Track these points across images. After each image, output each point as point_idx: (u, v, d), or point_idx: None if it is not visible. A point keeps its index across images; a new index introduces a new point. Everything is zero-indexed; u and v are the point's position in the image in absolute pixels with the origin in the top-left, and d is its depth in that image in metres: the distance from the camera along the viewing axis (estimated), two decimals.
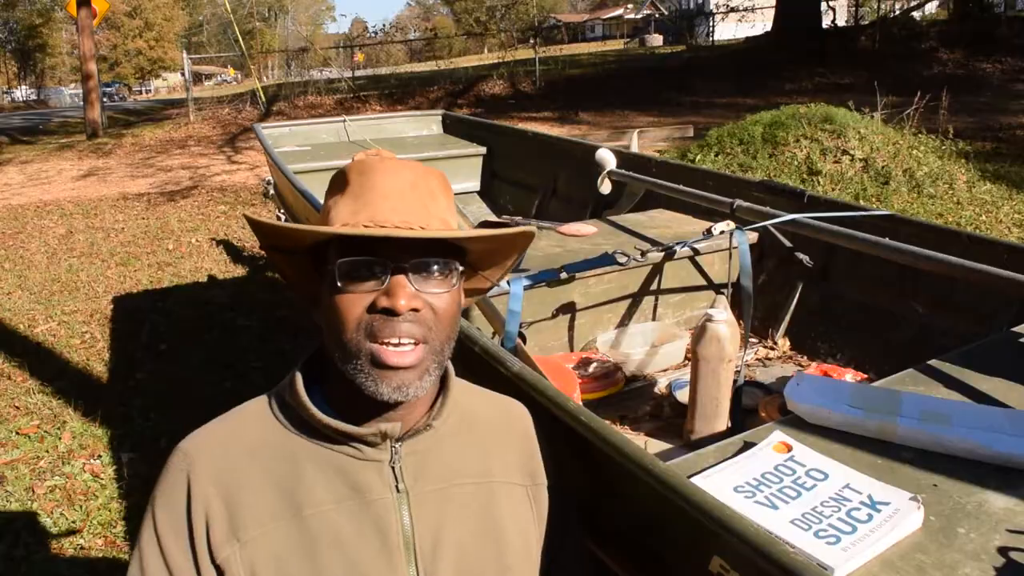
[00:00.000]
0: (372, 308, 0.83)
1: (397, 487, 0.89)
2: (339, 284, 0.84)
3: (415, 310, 0.84)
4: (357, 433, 0.87)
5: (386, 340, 0.83)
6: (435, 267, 0.86)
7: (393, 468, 0.89)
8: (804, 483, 0.99)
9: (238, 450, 0.88)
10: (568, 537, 1.02)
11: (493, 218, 3.19)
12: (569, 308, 2.04)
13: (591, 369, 1.87)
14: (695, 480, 1.01)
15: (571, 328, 2.07)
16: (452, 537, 0.89)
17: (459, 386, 0.98)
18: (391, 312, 0.82)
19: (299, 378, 0.91)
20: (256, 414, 0.92)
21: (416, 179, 0.89)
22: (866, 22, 17.85)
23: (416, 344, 0.84)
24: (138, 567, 0.85)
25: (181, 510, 0.85)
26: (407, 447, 0.90)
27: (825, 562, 0.85)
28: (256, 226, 0.91)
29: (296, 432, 0.89)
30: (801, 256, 2.02)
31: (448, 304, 0.87)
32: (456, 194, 3.73)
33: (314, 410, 0.88)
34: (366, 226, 0.85)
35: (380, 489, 0.88)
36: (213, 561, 0.84)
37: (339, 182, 0.91)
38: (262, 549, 0.84)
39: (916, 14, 18.42)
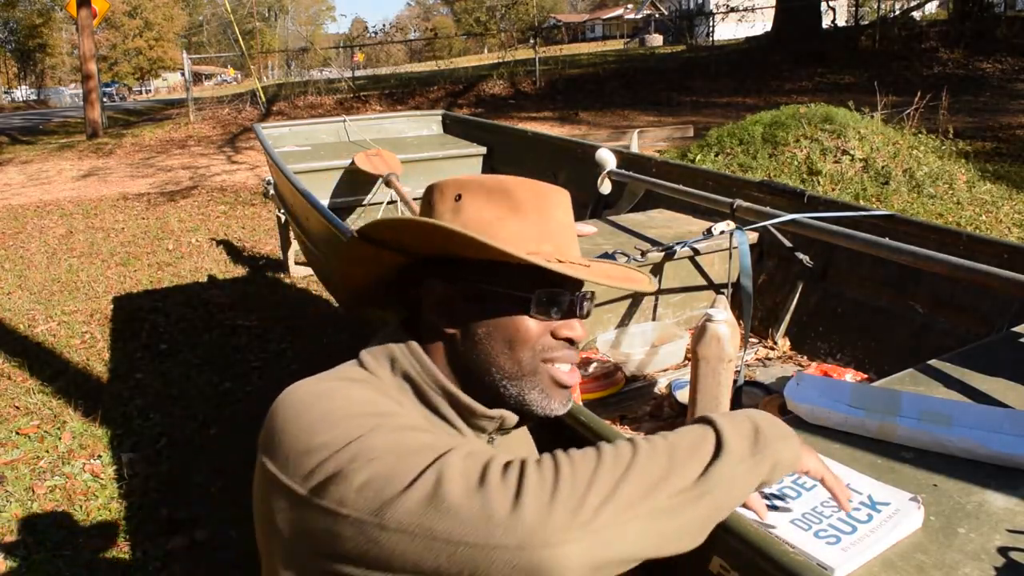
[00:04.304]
0: (555, 335, 0.90)
1: None
2: (533, 311, 0.88)
3: None
4: (485, 413, 0.90)
5: (561, 363, 0.91)
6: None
7: None
8: (804, 483, 0.99)
9: None
10: None
11: None
12: None
13: (591, 369, 1.87)
14: None
15: None
16: None
17: None
18: (573, 342, 0.92)
19: (429, 361, 0.89)
20: (365, 384, 0.87)
21: (569, 209, 0.97)
22: (866, 22, 17.86)
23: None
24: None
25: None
26: (499, 440, 0.95)
27: (825, 562, 0.85)
28: (455, 238, 0.83)
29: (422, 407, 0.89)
30: (801, 256, 2.02)
31: None
32: None
33: (454, 389, 0.88)
34: (563, 260, 0.90)
35: None
36: None
37: (505, 196, 0.91)
38: None
39: (916, 14, 18.42)
